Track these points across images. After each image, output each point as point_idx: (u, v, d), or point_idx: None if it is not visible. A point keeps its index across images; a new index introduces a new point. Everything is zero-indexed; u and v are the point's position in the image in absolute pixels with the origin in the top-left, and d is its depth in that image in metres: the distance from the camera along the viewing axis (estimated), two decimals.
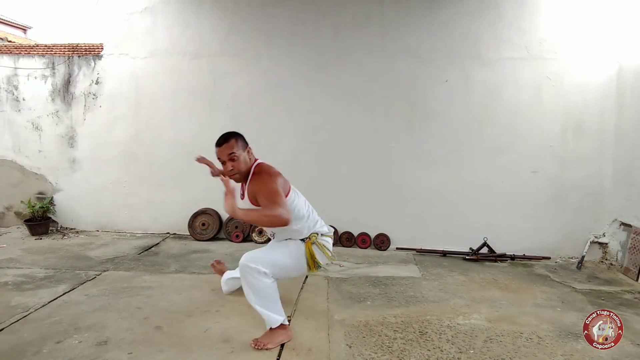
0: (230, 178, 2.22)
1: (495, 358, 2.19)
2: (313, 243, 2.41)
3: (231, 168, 2.24)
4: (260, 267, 2.24)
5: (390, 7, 4.33)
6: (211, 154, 4.83)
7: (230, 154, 2.22)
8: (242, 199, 2.36)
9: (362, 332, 2.46)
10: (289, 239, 2.47)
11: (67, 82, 4.78)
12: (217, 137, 2.33)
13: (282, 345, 2.26)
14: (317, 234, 2.46)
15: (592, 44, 4.12)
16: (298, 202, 2.43)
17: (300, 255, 2.40)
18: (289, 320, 2.57)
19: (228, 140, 2.25)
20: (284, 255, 2.38)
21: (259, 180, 2.25)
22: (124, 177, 4.80)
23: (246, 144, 2.34)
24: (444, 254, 4.24)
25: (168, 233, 4.80)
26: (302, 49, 4.47)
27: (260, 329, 2.41)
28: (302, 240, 2.44)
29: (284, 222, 2.08)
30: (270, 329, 2.27)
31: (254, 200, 2.27)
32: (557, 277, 3.67)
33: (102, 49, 4.72)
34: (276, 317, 2.27)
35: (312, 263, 2.41)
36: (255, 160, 2.39)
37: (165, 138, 4.71)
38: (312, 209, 2.56)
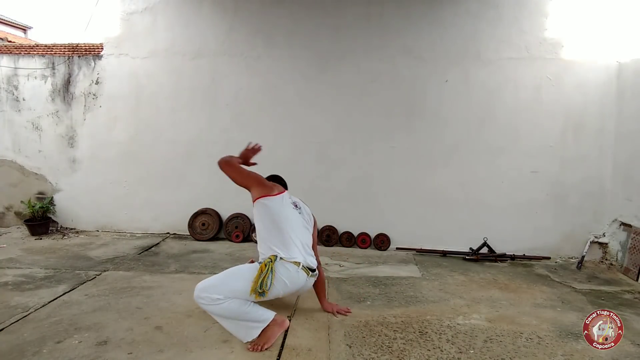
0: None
1: (495, 358, 2.19)
2: (266, 265, 2.26)
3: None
4: (212, 294, 2.17)
5: (390, 7, 4.33)
6: (211, 154, 4.84)
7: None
8: None
9: (362, 332, 2.46)
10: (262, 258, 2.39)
11: (67, 82, 4.78)
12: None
13: (282, 345, 2.26)
14: (276, 257, 2.30)
15: (592, 44, 4.12)
16: (272, 211, 2.37)
17: (250, 276, 2.24)
18: (290, 320, 2.57)
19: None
20: (235, 276, 2.26)
21: None
22: (124, 177, 4.80)
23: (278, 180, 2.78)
24: (444, 254, 4.24)
25: (168, 233, 4.80)
26: (302, 49, 4.47)
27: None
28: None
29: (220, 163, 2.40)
30: (263, 330, 2.22)
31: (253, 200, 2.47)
32: (557, 277, 3.67)
33: (102, 49, 4.72)
34: (255, 325, 2.20)
35: (254, 285, 2.20)
36: None
37: (165, 138, 4.71)
38: (297, 237, 2.41)
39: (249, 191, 2.44)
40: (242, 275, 2.27)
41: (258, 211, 2.41)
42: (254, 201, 2.42)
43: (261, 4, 4.49)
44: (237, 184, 2.40)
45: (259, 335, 2.23)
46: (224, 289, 2.20)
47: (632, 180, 3.86)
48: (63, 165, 4.86)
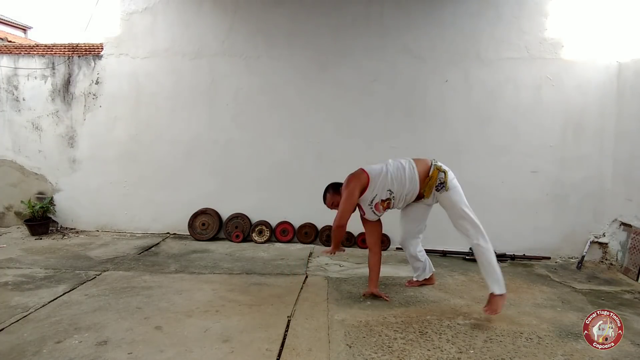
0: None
1: (495, 358, 2.19)
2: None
3: (335, 209, 3.02)
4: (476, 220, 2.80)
5: (390, 7, 4.33)
6: (211, 154, 4.84)
7: (332, 204, 3.06)
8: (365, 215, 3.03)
9: (362, 332, 2.46)
10: (422, 186, 2.85)
11: (67, 82, 4.78)
12: None
13: (282, 345, 2.26)
14: (437, 164, 2.87)
15: (592, 44, 4.12)
16: (379, 183, 2.84)
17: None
18: (289, 320, 2.57)
19: (324, 199, 3.09)
20: (458, 200, 2.81)
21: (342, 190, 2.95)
22: (124, 177, 4.79)
23: (337, 190, 3.01)
24: (444, 253, 4.24)
25: (168, 233, 4.80)
26: (302, 49, 4.47)
27: (260, 329, 2.42)
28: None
29: (336, 227, 2.93)
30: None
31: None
32: (557, 277, 3.67)
33: (102, 49, 4.72)
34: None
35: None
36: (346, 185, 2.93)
37: (165, 138, 4.71)
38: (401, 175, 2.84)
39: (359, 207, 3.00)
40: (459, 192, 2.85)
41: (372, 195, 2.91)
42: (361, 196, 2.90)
43: (261, 4, 4.49)
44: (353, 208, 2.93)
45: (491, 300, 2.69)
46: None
47: (632, 180, 3.86)
48: (63, 165, 4.86)
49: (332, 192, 3.02)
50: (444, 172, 2.80)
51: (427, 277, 3.27)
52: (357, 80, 4.43)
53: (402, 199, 2.88)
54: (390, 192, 2.85)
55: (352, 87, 4.44)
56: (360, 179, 2.86)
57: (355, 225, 4.52)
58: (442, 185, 2.77)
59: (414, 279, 3.31)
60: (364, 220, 3.07)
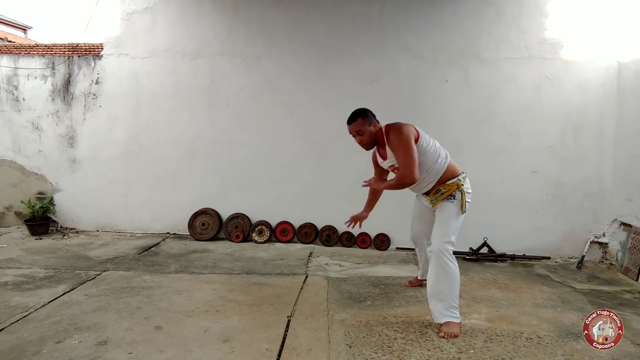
0: (362, 147, 2.63)
1: (495, 358, 2.19)
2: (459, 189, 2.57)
3: (359, 141, 2.60)
4: (452, 238, 2.51)
5: (390, 7, 4.33)
6: (210, 154, 4.86)
7: (358, 130, 2.56)
8: (385, 159, 2.66)
9: (363, 332, 2.46)
10: (436, 186, 2.61)
11: (67, 82, 4.78)
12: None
13: (282, 345, 2.26)
14: (462, 180, 2.61)
15: (592, 44, 4.12)
16: (430, 144, 2.61)
17: (458, 209, 2.58)
18: (289, 320, 2.57)
19: (355, 119, 2.57)
20: (454, 218, 2.57)
21: (392, 139, 2.52)
22: (124, 177, 4.79)
23: (372, 118, 2.60)
24: None
25: (168, 233, 4.80)
26: (302, 49, 4.47)
27: (260, 329, 2.42)
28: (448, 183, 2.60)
29: (410, 183, 2.44)
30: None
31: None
32: (557, 277, 3.67)
33: (102, 49, 4.72)
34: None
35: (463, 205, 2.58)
36: (380, 127, 2.61)
37: (165, 138, 4.71)
38: (439, 146, 2.69)
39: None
40: (455, 213, 2.58)
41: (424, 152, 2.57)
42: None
43: (261, 3, 4.49)
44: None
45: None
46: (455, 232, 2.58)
47: (632, 180, 3.86)
48: (63, 165, 4.86)
49: (364, 119, 2.54)
50: (462, 192, 2.55)
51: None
52: (357, 80, 4.43)
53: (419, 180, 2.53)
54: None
55: (352, 86, 4.44)
56: (411, 130, 2.50)
57: (355, 225, 4.54)
58: (452, 198, 2.57)
59: (418, 278, 3.28)
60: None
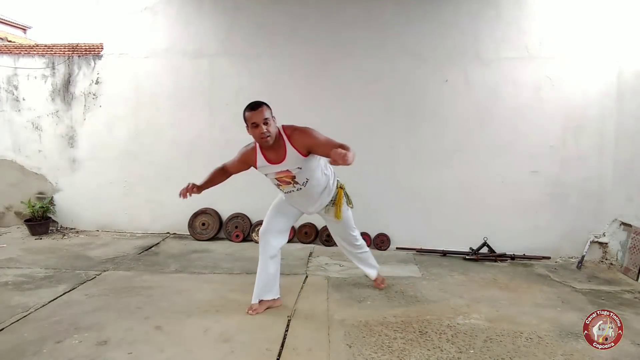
0: (262, 141, 2.44)
1: (495, 358, 2.19)
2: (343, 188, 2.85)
3: (265, 130, 2.41)
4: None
5: (390, 6, 4.32)
6: (211, 154, 4.85)
7: (266, 118, 2.43)
8: (278, 164, 2.49)
9: (362, 332, 2.46)
10: (324, 190, 2.76)
11: (67, 82, 4.78)
12: (248, 104, 2.62)
13: (282, 345, 2.26)
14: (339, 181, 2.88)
15: (593, 44, 4.11)
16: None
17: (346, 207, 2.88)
18: (289, 320, 2.57)
19: (262, 105, 2.48)
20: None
21: (302, 135, 2.48)
22: (124, 177, 4.79)
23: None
24: (444, 253, 4.24)
25: (168, 233, 4.80)
26: (302, 49, 4.47)
27: (260, 329, 2.42)
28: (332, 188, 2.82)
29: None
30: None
31: (305, 154, 2.48)
32: (557, 276, 3.67)
33: (102, 48, 4.71)
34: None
35: (349, 201, 2.90)
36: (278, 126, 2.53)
37: (165, 138, 4.71)
38: None
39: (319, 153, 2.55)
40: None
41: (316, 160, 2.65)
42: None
43: (261, 3, 4.48)
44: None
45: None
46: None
47: (632, 180, 3.86)
48: (63, 165, 4.86)
49: (269, 108, 2.60)
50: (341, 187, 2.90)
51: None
52: (357, 80, 4.42)
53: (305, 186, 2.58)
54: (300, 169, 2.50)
55: (352, 86, 4.43)
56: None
57: (356, 225, 4.54)
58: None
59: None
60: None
